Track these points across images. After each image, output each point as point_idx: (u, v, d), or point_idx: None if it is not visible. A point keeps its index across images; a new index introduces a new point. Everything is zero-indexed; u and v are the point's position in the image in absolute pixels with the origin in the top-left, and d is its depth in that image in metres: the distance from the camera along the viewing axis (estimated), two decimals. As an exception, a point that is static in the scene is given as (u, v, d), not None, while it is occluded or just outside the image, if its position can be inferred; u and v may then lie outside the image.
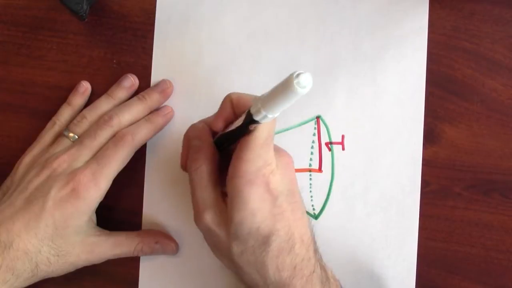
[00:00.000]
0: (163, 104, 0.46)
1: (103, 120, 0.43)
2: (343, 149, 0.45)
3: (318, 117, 0.46)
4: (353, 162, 0.45)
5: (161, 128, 0.45)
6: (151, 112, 0.45)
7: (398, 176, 0.45)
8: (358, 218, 0.45)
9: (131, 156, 0.43)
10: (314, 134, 0.46)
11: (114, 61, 0.46)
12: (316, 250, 0.39)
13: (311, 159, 0.45)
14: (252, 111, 0.32)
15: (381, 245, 0.45)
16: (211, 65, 0.46)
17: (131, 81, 0.45)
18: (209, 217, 0.37)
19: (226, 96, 0.37)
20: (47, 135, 0.44)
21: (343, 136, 0.45)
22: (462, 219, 0.45)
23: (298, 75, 0.28)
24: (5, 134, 0.46)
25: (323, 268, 0.39)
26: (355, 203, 0.45)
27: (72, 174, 0.40)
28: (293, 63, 0.46)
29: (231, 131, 0.36)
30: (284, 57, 0.46)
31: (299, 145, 0.45)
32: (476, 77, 0.45)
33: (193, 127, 0.40)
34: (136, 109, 0.44)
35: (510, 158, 0.45)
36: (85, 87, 0.46)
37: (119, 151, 0.42)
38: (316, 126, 0.46)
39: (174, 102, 0.46)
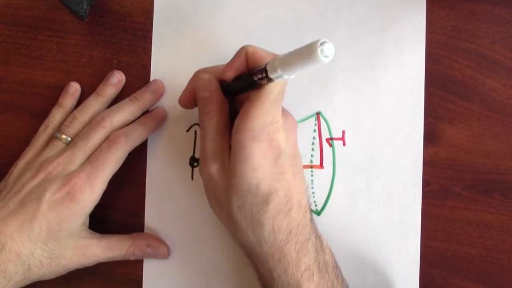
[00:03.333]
0: (156, 104, 0.46)
1: (95, 121, 0.43)
2: (344, 144, 0.45)
3: (318, 113, 0.46)
4: (354, 157, 0.45)
5: (154, 129, 0.45)
6: (144, 113, 0.45)
7: (400, 171, 0.45)
8: (360, 213, 0.45)
9: (124, 158, 0.43)
10: (314, 130, 0.46)
11: (114, 61, 0.46)
12: (312, 219, 0.39)
13: (312, 156, 0.45)
14: (269, 67, 0.32)
15: (384, 240, 0.45)
16: (210, 63, 0.46)
17: (118, 78, 0.45)
18: (214, 167, 0.37)
19: (241, 48, 0.37)
20: (41, 139, 0.44)
21: (343, 132, 0.45)
22: (462, 219, 0.45)
23: (322, 43, 0.28)
24: (5, 134, 0.46)
25: (318, 237, 0.39)
26: (357, 198, 0.45)
27: (67, 177, 0.40)
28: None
29: (241, 82, 0.36)
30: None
31: (300, 142, 0.45)
32: (476, 77, 0.45)
33: (200, 79, 0.39)
34: (128, 110, 0.44)
35: (510, 158, 0.45)
36: (75, 87, 0.45)
37: (113, 153, 0.41)
38: (316, 122, 0.46)
39: (174, 102, 0.46)
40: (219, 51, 0.46)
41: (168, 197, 0.46)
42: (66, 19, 0.46)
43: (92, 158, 0.42)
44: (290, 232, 0.37)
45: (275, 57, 0.32)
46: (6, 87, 0.46)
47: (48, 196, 0.40)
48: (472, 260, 0.45)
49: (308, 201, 0.39)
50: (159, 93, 0.45)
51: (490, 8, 0.46)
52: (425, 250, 0.45)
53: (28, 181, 0.41)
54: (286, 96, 0.45)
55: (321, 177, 0.45)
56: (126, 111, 0.44)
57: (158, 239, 0.45)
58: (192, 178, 0.46)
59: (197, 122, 0.46)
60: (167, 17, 0.46)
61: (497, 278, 0.45)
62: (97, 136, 0.42)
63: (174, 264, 0.45)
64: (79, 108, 0.45)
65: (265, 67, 0.33)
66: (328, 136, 0.45)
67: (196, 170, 0.46)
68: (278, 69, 0.31)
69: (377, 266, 0.45)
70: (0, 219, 0.39)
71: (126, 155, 0.43)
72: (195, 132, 0.46)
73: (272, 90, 0.35)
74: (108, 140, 0.42)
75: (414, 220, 0.45)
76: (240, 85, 0.37)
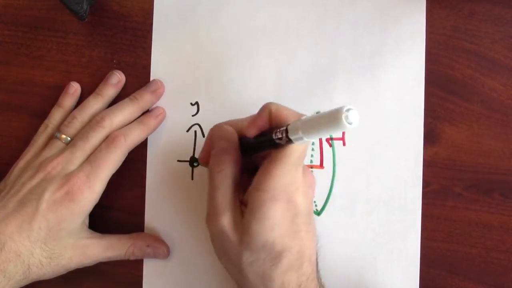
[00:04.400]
0: (155, 104, 0.46)
1: (95, 121, 0.43)
2: (344, 144, 0.45)
3: (317, 113, 0.46)
4: (354, 157, 0.45)
5: (153, 129, 0.45)
6: (143, 113, 0.45)
7: (400, 171, 0.45)
8: (360, 214, 0.45)
9: (124, 158, 0.43)
10: (314, 130, 0.46)
11: (114, 61, 0.46)
12: (318, 271, 0.39)
13: (312, 156, 0.45)
14: (290, 129, 0.32)
15: (384, 240, 0.45)
16: (210, 64, 0.46)
17: (117, 78, 0.45)
18: (226, 221, 0.36)
19: (264, 105, 0.36)
20: (40, 139, 0.44)
21: (343, 132, 0.45)
22: (462, 219, 0.45)
23: (348, 110, 0.28)
24: (5, 134, 0.46)
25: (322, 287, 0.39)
26: (357, 199, 0.45)
27: (67, 177, 0.40)
28: (292, 60, 0.46)
29: (262, 140, 0.36)
30: (283, 54, 0.46)
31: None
32: (476, 77, 0.45)
33: (220, 128, 0.39)
34: (128, 110, 0.44)
35: (510, 158, 0.45)
36: (75, 87, 0.45)
37: (112, 153, 0.41)
38: (316, 122, 0.46)
39: (174, 101, 0.46)
40: (219, 51, 0.46)
41: (168, 197, 0.46)
42: (66, 19, 0.46)
43: (91, 158, 0.42)
44: (300, 286, 0.37)
45: (298, 120, 0.31)
46: (6, 87, 0.46)
47: (47, 196, 0.40)
48: (472, 260, 0.45)
49: (317, 253, 0.39)
50: (159, 93, 0.45)
51: (490, 8, 0.46)
52: (425, 250, 0.45)
53: (27, 181, 0.41)
54: (286, 96, 0.46)
55: (321, 177, 0.45)
56: (126, 111, 0.44)
57: (158, 239, 0.45)
58: (192, 178, 0.46)
59: (197, 122, 0.46)
60: (167, 17, 0.46)
61: (497, 278, 0.45)
62: (97, 136, 0.42)
63: (174, 264, 0.45)
64: (78, 108, 0.45)
65: (286, 128, 0.32)
66: (328, 136, 0.45)
67: (196, 170, 0.46)
68: (300, 132, 0.31)
69: (377, 266, 0.45)
70: (0, 219, 0.39)
71: (126, 155, 0.43)
72: (195, 132, 0.46)
73: (294, 151, 0.34)
74: (108, 140, 0.42)
75: (414, 220, 0.45)
76: (260, 143, 0.36)
